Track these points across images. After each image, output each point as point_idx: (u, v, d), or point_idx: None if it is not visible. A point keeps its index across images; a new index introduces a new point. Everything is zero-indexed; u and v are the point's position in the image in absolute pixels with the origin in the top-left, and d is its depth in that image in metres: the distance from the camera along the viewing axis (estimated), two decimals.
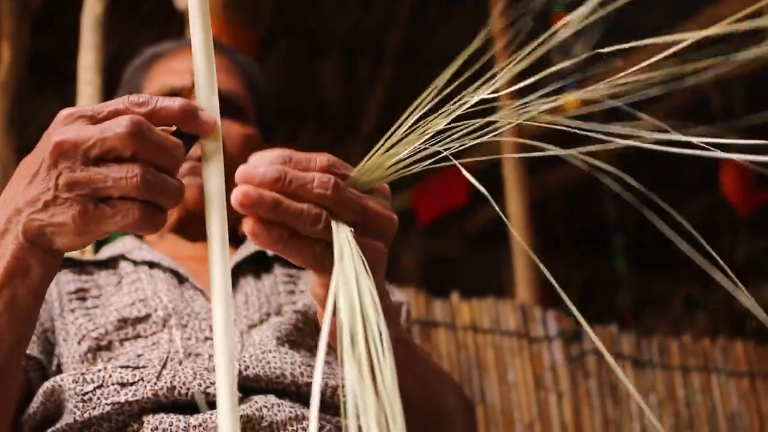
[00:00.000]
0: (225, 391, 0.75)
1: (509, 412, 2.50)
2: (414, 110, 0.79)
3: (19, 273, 0.87)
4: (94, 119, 0.80)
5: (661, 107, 4.35)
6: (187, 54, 1.49)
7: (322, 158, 0.82)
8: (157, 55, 1.53)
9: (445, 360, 2.47)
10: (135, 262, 1.36)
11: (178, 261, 1.36)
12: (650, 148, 0.69)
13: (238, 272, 1.34)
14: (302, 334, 1.26)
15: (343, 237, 0.78)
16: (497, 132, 0.78)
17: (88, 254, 1.86)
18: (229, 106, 1.45)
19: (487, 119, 0.79)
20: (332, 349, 0.72)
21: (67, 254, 1.36)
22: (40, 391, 1.17)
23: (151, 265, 1.35)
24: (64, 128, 0.80)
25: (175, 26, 3.24)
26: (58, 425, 1.14)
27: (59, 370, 1.21)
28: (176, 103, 0.81)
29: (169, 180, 0.82)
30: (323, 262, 0.80)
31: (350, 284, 0.72)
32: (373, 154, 0.82)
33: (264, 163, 0.80)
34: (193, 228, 1.42)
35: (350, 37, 4.76)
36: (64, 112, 0.82)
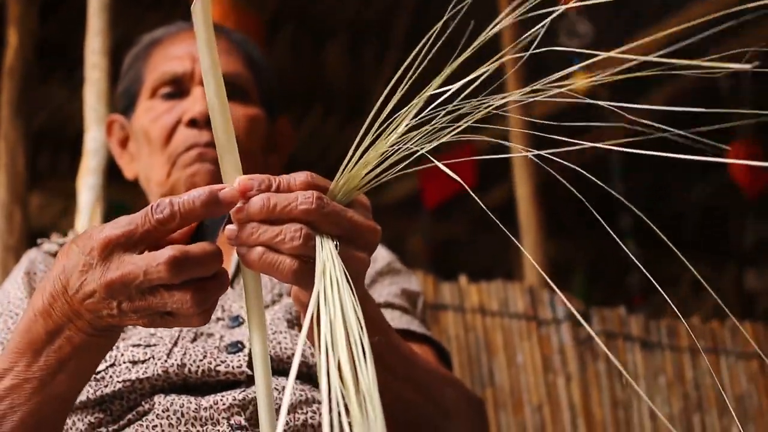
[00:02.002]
0: (261, 375, 0.87)
1: (518, 395, 2.50)
2: (375, 117, 0.81)
3: (85, 350, 0.93)
4: (130, 245, 0.85)
5: (667, 89, 4.34)
6: (185, 38, 1.49)
7: (301, 176, 0.86)
8: (155, 41, 1.52)
9: (454, 342, 2.47)
10: None
11: None
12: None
13: None
14: None
15: (327, 252, 0.81)
16: (466, 125, 0.80)
17: None
18: (231, 87, 1.45)
19: (454, 111, 0.79)
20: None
21: None
22: None
23: None
24: (110, 268, 0.84)
25: (182, 9, 3.24)
26: None
27: None
28: (198, 201, 0.84)
29: (216, 282, 0.87)
30: (302, 277, 0.83)
31: (332, 298, 0.76)
32: (345, 167, 0.84)
33: (253, 185, 0.86)
34: None
35: (356, 21, 4.74)
36: (102, 239, 0.85)
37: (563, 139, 0.73)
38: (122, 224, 0.85)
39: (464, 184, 0.85)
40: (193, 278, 0.84)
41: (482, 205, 0.86)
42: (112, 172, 2.09)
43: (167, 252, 0.82)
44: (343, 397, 0.68)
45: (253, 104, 1.47)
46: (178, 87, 1.43)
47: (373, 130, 0.82)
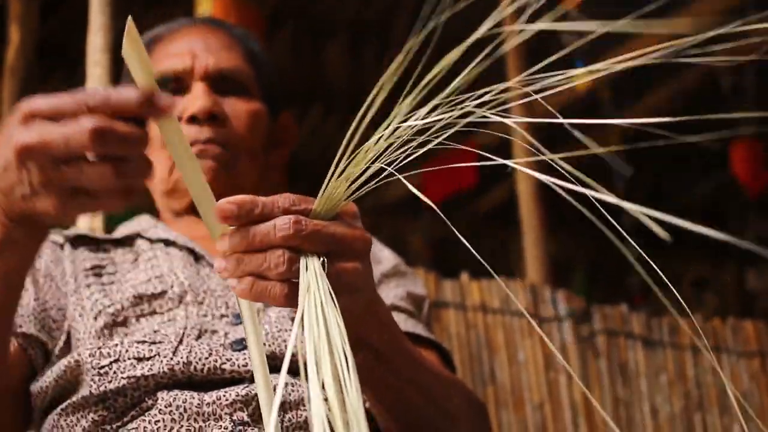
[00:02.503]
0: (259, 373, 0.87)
1: (519, 392, 2.50)
2: (357, 127, 0.81)
3: (7, 248, 0.91)
4: (54, 119, 0.81)
5: (670, 87, 4.34)
6: (185, 35, 1.49)
7: (283, 200, 0.86)
8: (155, 39, 1.52)
9: (455, 340, 2.48)
10: (151, 240, 1.37)
11: (195, 240, 1.37)
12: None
13: None
14: None
15: (311, 271, 0.82)
16: (449, 132, 0.80)
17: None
18: (231, 83, 1.45)
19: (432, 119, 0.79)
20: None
21: (83, 232, 1.38)
22: (55, 366, 1.18)
23: (167, 243, 1.36)
24: (26, 130, 0.81)
25: (183, 5, 3.24)
26: (73, 398, 1.15)
27: (67, 345, 1.21)
28: (132, 96, 0.81)
29: (138, 165, 0.84)
30: (295, 300, 0.83)
31: (316, 318, 0.77)
32: (328, 182, 0.85)
33: (234, 210, 0.84)
34: None
35: (356, 19, 4.74)
36: (24, 108, 0.83)
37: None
38: (50, 99, 0.82)
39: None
40: (115, 156, 0.82)
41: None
42: None
43: (93, 121, 0.79)
44: (329, 422, 0.68)
45: (254, 99, 1.47)
46: (178, 84, 1.43)
47: (355, 140, 0.82)
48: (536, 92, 0.77)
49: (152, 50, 1.50)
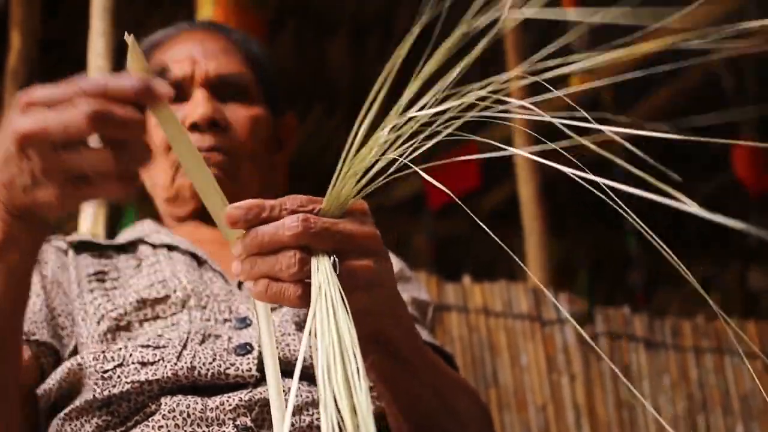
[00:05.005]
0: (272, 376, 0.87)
1: (522, 395, 2.50)
2: (362, 121, 0.81)
3: (9, 246, 0.91)
4: (52, 106, 0.82)
5: (670, 87, 4.34)
6: (184, 40, 1.49)
7: (291, 201, 0.86)
8: (154, 45, 1.51)
9: (458, 343, 2.48)
10: (154, 245, 1.37)
11: (198, 244, 1.36)
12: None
13: None
14: None
15: (322, 272, 0.82)
16: (451, 129, 0.80)
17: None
18: (232, 88, 1.45)
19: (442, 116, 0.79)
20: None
21: (86, 238, 1.38)
22: (59, 369, 1.18)
23: (170, 247, 1.36)
24: (24, 118, 0.82)
25: (183, 9, 3.23)
26: (77, 402, 1.15)
27: (76, 351, 1.21)
28: (129, 83, 0.82)
29: (138, 149, 0.84)
30: (308, 301, 0.83)
31: (328, 319, 0.77)
32: (337, 179, 0.84)
33: (240, 215, 0.85)
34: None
35: (358, 17, 4.73)
36: (22, 98, 0.84)
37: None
38: (48, 88, 0.83)
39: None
40: (114, 141, 0.82)
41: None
42: None
43: (90, 104, 0.80)
44: (340, 428, 0.68)
45: (256, 104, 1.47)
46: (179, 91, 1.42)
47: (360, 136, 0.82)
48: (542, 81, 0.77)
49: (151, 57, 1.49)
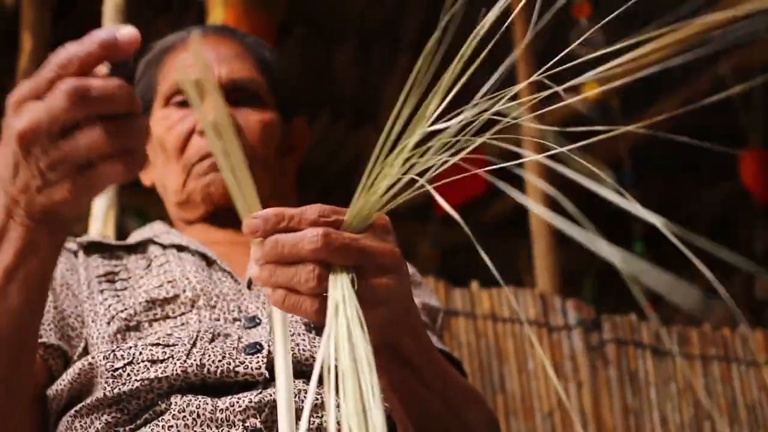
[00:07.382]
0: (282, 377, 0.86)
1: (529, 401, 2.50)
2: (386, 140, 0.80)
3: (30, 252, 0.91)
4: (39, 96, 0.82)
5: (679, 93, 4.33)
6: (198, 45, 1.49)
7: (312, 211, 0.85)
8: (167, 48, 1.52)
9: (465, 349, 2.48)
10: (163, 246, 1.37)
11: (207, 245, 1.37)
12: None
13: None
14: None
15: (339, 289, 0.81)
16: (469, 147, 0.80)
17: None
18: (244, 93, 1.45)
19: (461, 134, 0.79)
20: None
21: (96, 239, 1.38)
22: (70, 370, 1.19)
23: (180, 248, 1.36)
24: (18, 118, 0.83)
25: (193, 13, 3.24)
26: (87, 401, 1.15)
27: (86, 352, 1.22)
28: (93, 43, 0.82)
29: (131, 122, 0.84)
30: (325, 315, 0.81)
31: (343, 336, 0.76)
32: (360, 193, 0.83)
33: (259, 225, 0.84)
34: (222, 217, 1.42)
35: (365, 24, 4.74)
36: (12, 99, 0.84)
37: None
38: (29, 83, 0.83)
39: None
40: (104, 116, 0.82)
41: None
42: None
43: (65, 84, 0.80)
44: None
45: (267, 109, 1.47)
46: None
47: (385, 150, 0.81)
48: (555, 91, 0.77)
49: (164, 60, 1.50)
